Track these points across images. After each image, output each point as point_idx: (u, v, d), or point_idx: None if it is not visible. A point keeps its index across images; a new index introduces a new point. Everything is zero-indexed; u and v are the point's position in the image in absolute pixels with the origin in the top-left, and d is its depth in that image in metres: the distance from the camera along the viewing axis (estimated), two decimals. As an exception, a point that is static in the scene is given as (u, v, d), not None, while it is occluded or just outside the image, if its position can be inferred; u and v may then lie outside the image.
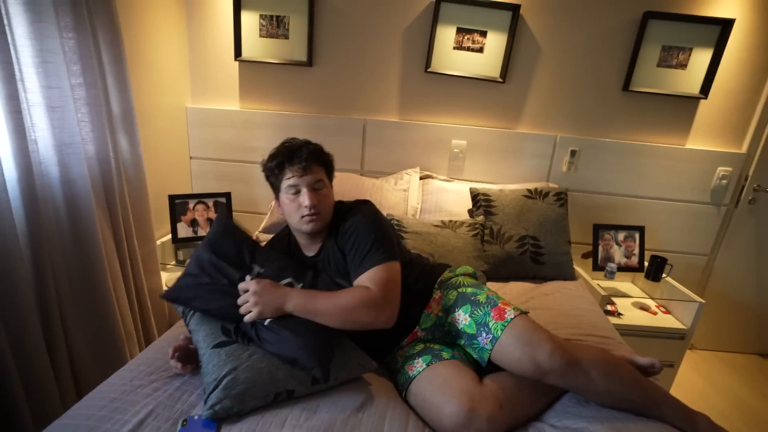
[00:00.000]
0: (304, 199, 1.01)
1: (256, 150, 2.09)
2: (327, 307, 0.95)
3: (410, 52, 1.94)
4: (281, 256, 1.12)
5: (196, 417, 0.84)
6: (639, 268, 1.94)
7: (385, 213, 1.72)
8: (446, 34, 1.86)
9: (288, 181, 1.03)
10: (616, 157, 1.98)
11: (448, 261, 1.48)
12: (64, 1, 1.18)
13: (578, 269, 1.85)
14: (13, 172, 1.12)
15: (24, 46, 1.13)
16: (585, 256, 2.07)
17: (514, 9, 1.79)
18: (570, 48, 1.88)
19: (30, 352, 1.16)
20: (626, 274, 1.97)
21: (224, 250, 1.05)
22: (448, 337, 1.11)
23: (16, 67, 1.10)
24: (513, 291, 1.55)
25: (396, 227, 1.58)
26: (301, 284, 1.02)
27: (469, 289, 1.09)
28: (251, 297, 0.96)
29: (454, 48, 1.88)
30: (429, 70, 1.91)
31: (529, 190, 1.75)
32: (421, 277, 1.16)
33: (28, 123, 1.14)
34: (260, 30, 1.90)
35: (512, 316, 0.98)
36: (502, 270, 1.63)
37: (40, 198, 1.19)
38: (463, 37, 1.86)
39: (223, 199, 2.00)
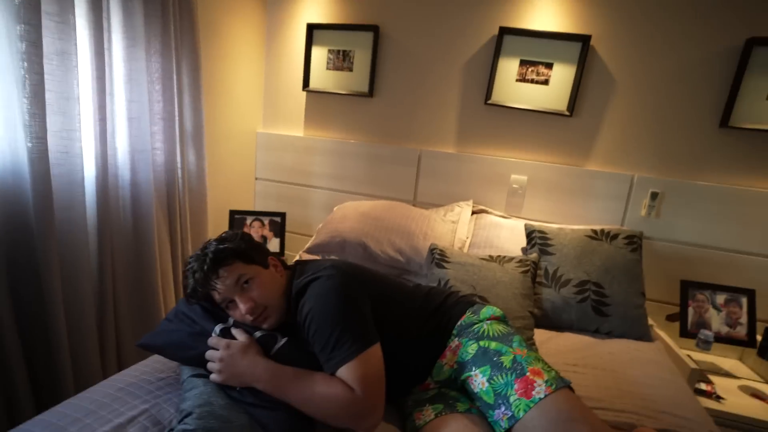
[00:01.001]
0: (241, 307, 0.88)
1: (313, 174, 2.17)
2: (301, 399, 0.81)
3: (470, 84, 1.91)
4: None
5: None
6: (748, 342, 1.56)
7: (428, 243, 1.64)
8: (508, 67, 1.80)
9: (218, 301, 0.91)
10: (714, 203, 1.67)
11: (490, 296, 1.33)
12: (155, 30, 1.37)
13: (660, 333, 1.54)
14: (92, 171, 1.28)
15: (118, 66, 1.32)
16: (670, 318, 1.73)
17: (584, 40, 1.68)
18: (650, 80, 1.69)
19: (83, 332, 1.26)
20: (729, 348, 1.59)
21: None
22: (465, 391, 0.95)
23: (108, 82, 1.28)
24: (567, 343, 1.33)
25: (438, 257, 1.48)
26: (285, 339, 0.89)
27: (493, 344, 0.90)
28: (217, 362, 0.85)
29: (517, 80, 1.81)
30: (489, 102, 1.85)
31: (594, 231, 1.54)
32: (431, 320, 1.00)
33: (110, 130, 1.31)
34: (327, 63, 2.03)
35: (543, 395, 0.78)
36: (556, 318, 1.42)
37: (111, 196, 1.34)
38: (527, 69, 1.78)
39: (278, 219, 2.08)
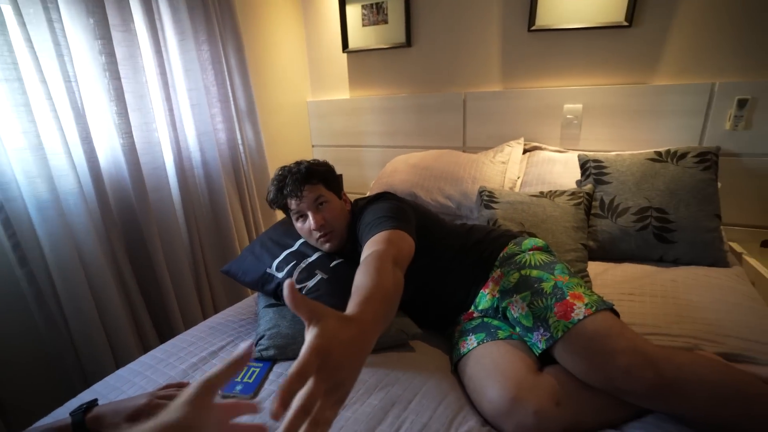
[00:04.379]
0: (311, 222, 1.02)
1: (365, 134, 2.24)
2: (372, 291, 0.60)
3: (510, 12, 1.77)
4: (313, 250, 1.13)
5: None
6: None
7: (477, 186, 1.64)
8: (552, -17, 1.63)
9: (292, 210, 1.06)
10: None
11: (539, 231, 1.32)
12: (200, 19, 1.52)
13: (751, 261, 1.38)
14: (170, 156, 1.51)
15: (175, 59, 1.50)
16: (766, 244, 1.54)
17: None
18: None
19: (184, 285, 1.54)
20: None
21: (276, 234, 1.22)
22: (506, 320, 1.00)
23: (168, 75, 1.47)
24: (624, 274, 1.27)
25: (487, 198, 1.49)
26: (341, 259, 1.07)
27: (534, 272, 0.93)
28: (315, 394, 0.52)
29: (563, -4, 1.63)
30: (533, 28, 1.71)
31: (658, 153, 1.40)
32: (472, 252, 1.06)
33: (177, 118, 1.52)
34: (363, 20, 2.03)
35: (582, 316, 0.79)
36: (613, 249, 1.36)
37: (188, 176, 1.57)
38: (574, -19, 1.60)
39: (335, 181, 2.22)
